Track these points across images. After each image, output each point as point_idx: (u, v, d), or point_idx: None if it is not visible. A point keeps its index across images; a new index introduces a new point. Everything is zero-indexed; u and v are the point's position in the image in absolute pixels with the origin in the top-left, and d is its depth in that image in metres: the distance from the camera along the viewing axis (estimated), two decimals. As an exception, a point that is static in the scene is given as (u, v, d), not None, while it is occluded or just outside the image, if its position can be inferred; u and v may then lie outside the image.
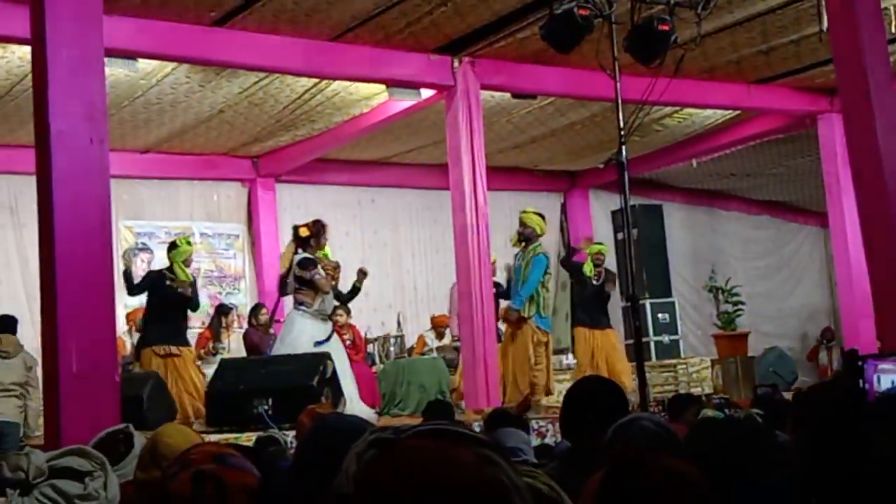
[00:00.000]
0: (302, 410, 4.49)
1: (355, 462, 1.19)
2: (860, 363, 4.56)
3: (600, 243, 12.10)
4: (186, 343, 10.39)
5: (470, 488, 1.12)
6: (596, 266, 11.45)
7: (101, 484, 3.11)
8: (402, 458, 1.15)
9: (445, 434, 1.20)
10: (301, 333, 9.51)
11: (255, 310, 12.80)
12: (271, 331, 12.62)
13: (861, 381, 4.40)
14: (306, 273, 9.54)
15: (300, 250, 9.69)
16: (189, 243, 10.72)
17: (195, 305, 10.56)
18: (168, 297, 10.09)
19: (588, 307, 11.55)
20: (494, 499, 1.14)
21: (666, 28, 8.08)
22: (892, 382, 4.47)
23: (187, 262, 10.42)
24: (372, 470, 1.16)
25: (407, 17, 9.90)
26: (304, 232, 9.74)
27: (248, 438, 7.18)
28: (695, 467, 1.83)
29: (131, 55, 9.51)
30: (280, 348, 9.73)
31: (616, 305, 14.14)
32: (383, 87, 11.42)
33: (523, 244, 10.30)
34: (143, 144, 13.42)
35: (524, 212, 10.47)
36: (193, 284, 10.37)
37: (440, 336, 13.62)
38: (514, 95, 12.04)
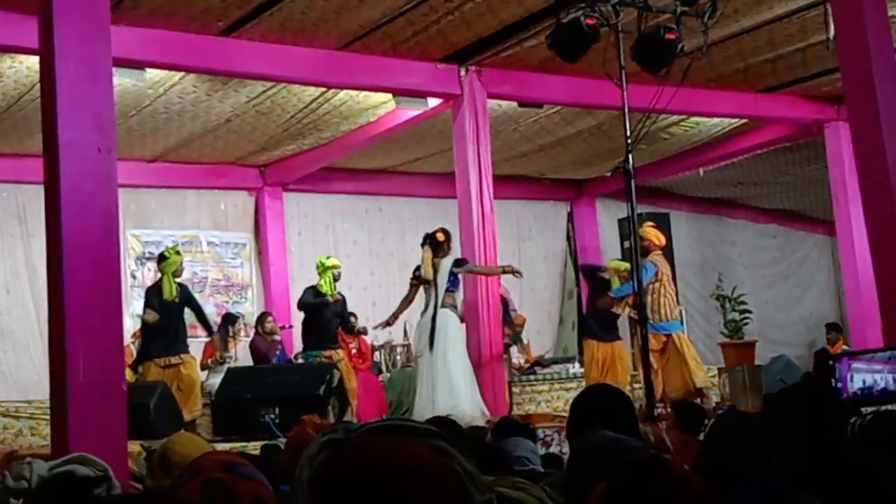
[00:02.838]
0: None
1: (308, 466, 1.17)
2: (831, 362, 4.57)
3: (624, 261, 12.13)
4: (186, 350, 10.53)
5: (423, 477, 1.11)
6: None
7: (105, 490, 3.12)
8: (355, 455, 1.13)
9: (397, 429, 1.19)
10: (461, 331, 10.03)
11: (262, 318, 12.82)
12: (277, 338, 12.64)
13: (833, 379, 4.40)
14: (462, 270, 10.14)
15: (437, 255, 10.11)
16: (178, 253, 10.78)
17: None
18: (164, 310, 10.28)
19: (604, 320, 11.55)
20: (448, 486, 1.13)
21: (672, 37, 8.10)
22: (864, 381, 4.48)
23: (177, 273, 10.50)
24: (325, 470, 1.15)
25: (414, 27, 9.92)
26: (440, 236, 10.21)
27: (255, 447, 7.19)
28: (701, 475, 1.83)
29: (139, 65, 9.54)
30: (446, 345, 9.82)
31: (623, 314, 14.12)
32: (390, 96, 11.44)
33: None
34: (150, 153, 13.46)
35: (640, 227, 10.67)
36: (181, 297, 10.44)
37: (447, 345, 13.59)
38: (521, 104, 12.05)
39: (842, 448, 2.07)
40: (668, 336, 10.59)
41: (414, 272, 10.46)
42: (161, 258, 10.61)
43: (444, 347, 9.78)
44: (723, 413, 5.05)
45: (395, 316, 10.71)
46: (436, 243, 10.22)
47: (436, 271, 10.03)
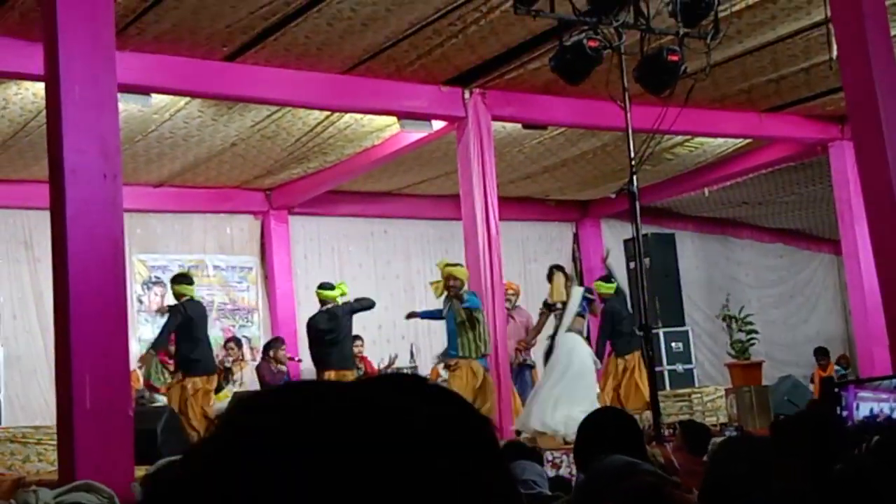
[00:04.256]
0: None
1: None
2: (837, 390, 4.56)
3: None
4: None
5: None
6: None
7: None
8: None
9: None
10: (585, 352, 10.28)
11: (275, 344, 12.75)
12: (283, 368, 12.57)
13: (839, 408, 4.38)
14: (591, 298, 10.74)
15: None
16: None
17: None
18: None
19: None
20: None
21: (675, 58, 8.13)
22: (871, 410, 4.46)
23: None
24: None
25: (418, 50, 9.96)
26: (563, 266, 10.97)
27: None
28: (707, 498, 1.83)
29: (144, 90, 9.58)
30: (568, 365, 10.02)
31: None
32: (395, 119, 11.47)
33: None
34: (156, 178, 13.49)
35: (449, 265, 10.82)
36: None
37: (453, 367, 13.57)
38: (525, 126, 12.07)
39: (848, 472, 2.07)
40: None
41: (545, 303, 10.83)
42: (188, 280, 10.80)
43: (570, 364, 9.99)
44: (729, 437, 5.02)
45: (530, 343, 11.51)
46: (566, 273, 10.83)
47: (568, 296, 10.41)
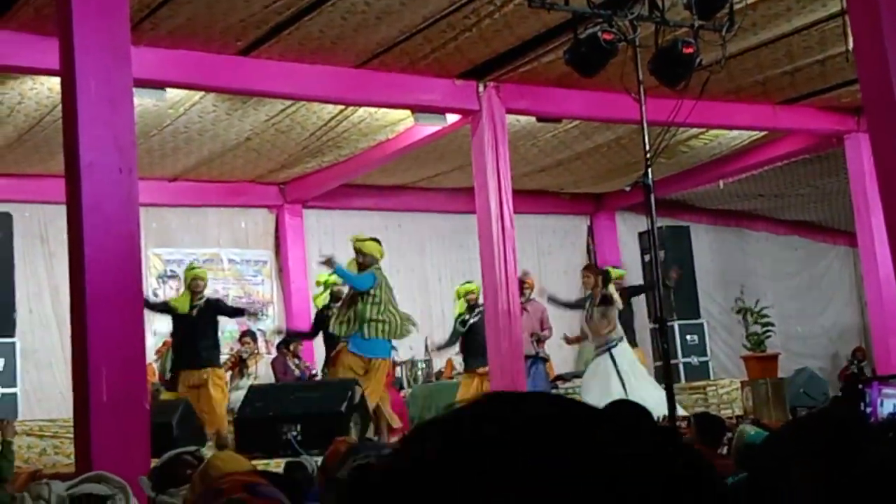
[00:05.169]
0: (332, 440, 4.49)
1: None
2: (861, 387, 4.53)
3: (616, 268, 12.90)
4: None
5: None
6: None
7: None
8: None
9: None
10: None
11: (294, 339, 12.78)
12: (297, 373, 12.56)
13: (863, 404, 4.36)
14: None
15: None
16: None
17: None
18: None
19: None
20: None
21: (690, 51, 8.09)
22: (894, 406, 4.42)
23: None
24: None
25: (432, 44, 9.95)
26: None
27: (277, 464, 7.19)
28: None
29: (159, 85, 9.61)
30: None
31: (644, 327, 14.10)
32: (409, 112, 11.47)
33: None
34: (171, 173, 13.53)
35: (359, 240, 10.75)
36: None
37: (469, 360, 13.58)
38: (540, 119, 12.06)
39: (871, 466, 2.05)
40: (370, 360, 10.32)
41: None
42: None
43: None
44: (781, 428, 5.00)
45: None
46: None
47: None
